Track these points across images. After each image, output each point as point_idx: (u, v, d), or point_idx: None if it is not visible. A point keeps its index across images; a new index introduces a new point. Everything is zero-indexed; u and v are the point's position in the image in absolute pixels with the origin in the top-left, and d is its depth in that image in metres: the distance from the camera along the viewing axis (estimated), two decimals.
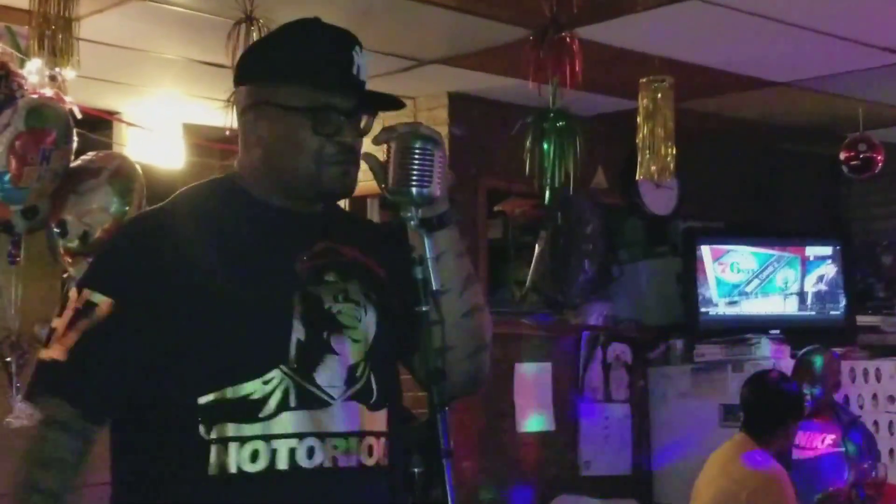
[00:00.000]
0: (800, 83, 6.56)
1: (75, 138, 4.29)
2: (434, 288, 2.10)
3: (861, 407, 7.06)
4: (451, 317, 2.21)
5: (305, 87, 2.22)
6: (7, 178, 4.10)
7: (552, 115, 5.12)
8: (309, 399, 2.14)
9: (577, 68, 4.88)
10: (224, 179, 2.36)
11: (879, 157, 7.04)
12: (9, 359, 4.32)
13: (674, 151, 5.49)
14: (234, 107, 2.38)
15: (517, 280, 7.18)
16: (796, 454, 5.81)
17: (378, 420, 2.23)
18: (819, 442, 5.90)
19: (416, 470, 2.16)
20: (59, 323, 2.20)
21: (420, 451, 2.16)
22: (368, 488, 2.20)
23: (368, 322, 2.24)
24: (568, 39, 4.89)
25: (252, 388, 2.11)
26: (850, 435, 5.94)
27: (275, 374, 2.12)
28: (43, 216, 4.32)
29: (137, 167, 4.58)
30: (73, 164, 4.35)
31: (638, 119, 5.50)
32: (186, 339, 2.14)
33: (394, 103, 2.29)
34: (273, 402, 2.11)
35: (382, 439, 2.23)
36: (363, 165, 2.25)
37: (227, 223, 2.25)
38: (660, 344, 7.42)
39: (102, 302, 2.16)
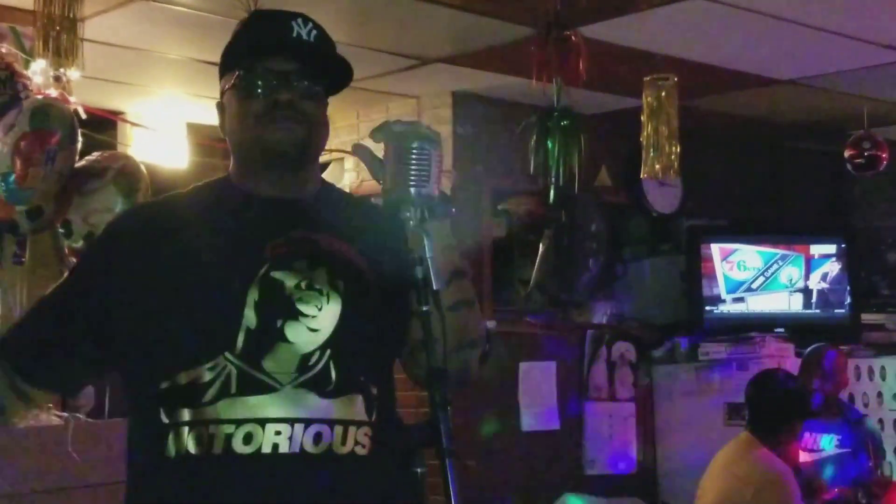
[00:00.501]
0: (804, 81, 6.56)
1: (80, 139, 4.28)
2: (435, 288, 2.08)
3: (866, 405, 7.07)
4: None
5: (243, 63, 2.30)
6: (12, 178, 4.09)
7: (556, 113, 5.12)
8: (253, 385, 2.16)
9: (580, 67, 4.89)
10: (219, 178, 2.44)
11: (884, 155, 7.04)
12: None
13: (678, 149, 5.49)
14: None
15: (521, 279, 7.17)
16: (803, 457, 5.80)
17: (339, 409, 2.21)
18: (825, 443, 5.89)
19: (418, 470, 2.14)
20: None
21: (422, 451, 2.15)
22: (312, 475, 2.17)
23: (330, 311, 2.23)
24: (572, 38, 4.89)
25: (198, 374, 2.16)
26: (855, 434, 5.93)
27: (219, 361, 2.16)
28: (48, 217, 4.31)
29: (142, 167, 4.57)
30: (77, 165, 4.34)
31: (642, 117, 5.50)
32: (148, 326, 2.21)
33: (341, 66, 2.34)
34: (214, 389, 2.15)
35: (347, 427, 2.21)
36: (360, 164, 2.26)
37: (208, 215, 2.32)
38: (664, 342, 7.42)
39: (66, 277, 2.40)
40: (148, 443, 2.21)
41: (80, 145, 4.29)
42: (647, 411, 7.38)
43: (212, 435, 2.14)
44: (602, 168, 7.24)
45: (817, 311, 7.54)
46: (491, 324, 6.66)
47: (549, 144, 5.13)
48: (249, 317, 2.18)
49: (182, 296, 2.21)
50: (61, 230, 4.36)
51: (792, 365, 6.29)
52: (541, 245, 6.95)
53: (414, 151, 2.08)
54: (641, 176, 5.66)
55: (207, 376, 2.16)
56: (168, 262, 2.23)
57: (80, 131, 4.27)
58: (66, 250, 4.37)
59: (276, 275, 2.22)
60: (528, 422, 6.82)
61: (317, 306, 2.22)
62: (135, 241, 2.28)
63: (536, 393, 6.85)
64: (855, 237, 7.94)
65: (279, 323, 2.19)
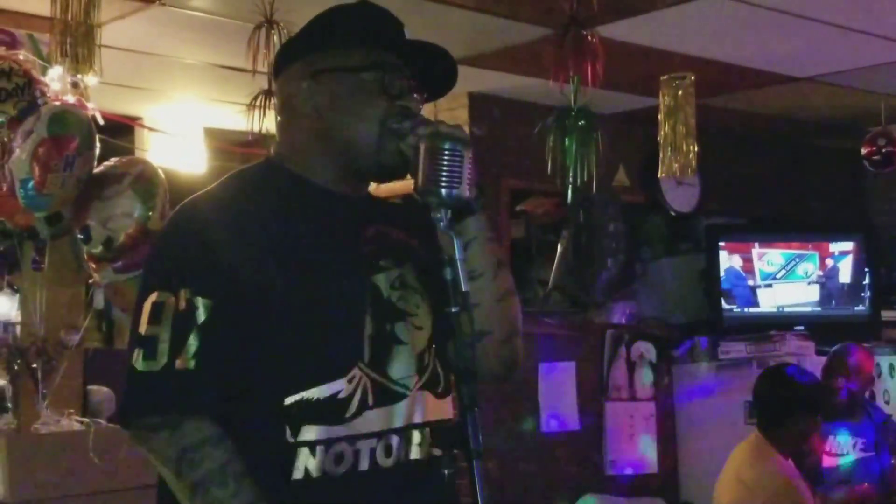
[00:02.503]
0: (821, 78, 6.55)
1: (98, 144, 4.29)
2: (463, 289, 2.04)
3: (887, 402, 7.04)
4: (486, 301, 2.19)
5: (372, 49, 2.19)
6: (31, 184, 4.10)
7: (573, 113, 5.10)
8: (385, 395, 2.10)
9: (598, 66, 4.87)
10: (269, 165, 2.27)
11: None
12: (34, 365, 4.32)
13: (695, 148, 5.46)
14: (280, 91, 2.29)
15: (540, 279, 7.17)
16: (830, 461, 5.75)
17: (445, 408, 2.20)
18: (851, 447, 5.82)
19: (446, 471, 2.13)
20: (158, 329, 2.05)
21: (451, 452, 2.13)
22: (433, 479, 2.14)
23: (425, 307, 2.20)
24: (589, 37, 4.87)
25: (338, 387, 2.06)
26: (881, 435, 5.87)
27: (356, 373, 2.08)
28: (67, 222, 4.32)
29: (160, 172, 4.57)
30: (95, 170, 4.35)
31: (659, 116, 5.47)
32: (271, 339, 2.06)
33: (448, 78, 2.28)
34: (356, 402, 2.07)
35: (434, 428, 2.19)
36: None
37: (284, 212, 2.15)
38: (684, 341, 7.41)
39: (203, 305, 2.04)
40: (262, 464, 2.03)
41: (97, 151, 4.30)
42: (667, 411, 7.37)
43: (357, 451, 2.06)
44: (620, 168, 7.23)
45: (837, 308, 7.52)
46: None
47: (567, 144, 5.11)
48: (368, 323, 2.12)
49: (306, 306, 2.07)
50: (80, 236, 4.37)
51: (812, 363, 6.27)
52: (559, 245, 6.95)
53: (446, 152, 2.06)
54: (659, 175, 5.63)
55: (347, 389, 2.07)
56: (276, 272, 2.06)
57: (97, 137, 4.28)
58: (85, 256, 4.38)
59: (373, 277, 2.16)
60: (548, 423, 6.81)
61: (415, 304, 2.19)
62: (236, 248, 2.08)
63: (556, 394, 6.85)
64: (874, 234, 7.91)
65: (388, 326, 2.14)
